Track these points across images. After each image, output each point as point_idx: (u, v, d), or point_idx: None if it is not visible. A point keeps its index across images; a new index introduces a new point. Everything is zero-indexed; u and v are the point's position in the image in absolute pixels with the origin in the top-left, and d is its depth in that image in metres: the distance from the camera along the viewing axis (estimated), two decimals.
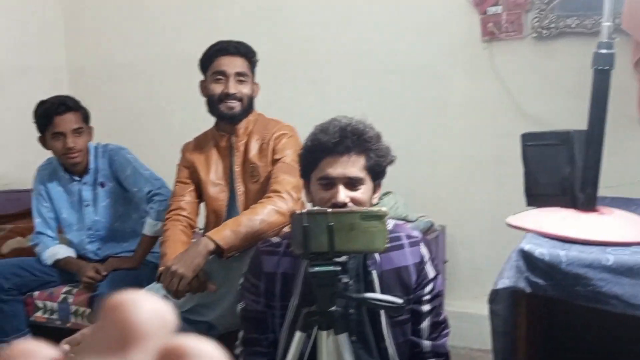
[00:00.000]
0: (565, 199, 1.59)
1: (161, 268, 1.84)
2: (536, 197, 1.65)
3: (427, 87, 2.78)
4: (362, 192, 1.45)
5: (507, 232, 1.88)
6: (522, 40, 2.58)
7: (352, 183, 1.44)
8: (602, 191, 1.95)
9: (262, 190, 2.01)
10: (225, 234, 1.81)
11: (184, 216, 2.07)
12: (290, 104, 2.96)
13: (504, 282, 1.36)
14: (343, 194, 1.42)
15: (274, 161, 2.02)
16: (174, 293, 1.78)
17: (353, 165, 1.44)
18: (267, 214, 1.83)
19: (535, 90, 2.59)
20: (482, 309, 1.96)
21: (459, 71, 2.73)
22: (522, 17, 2.56)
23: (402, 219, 2.35)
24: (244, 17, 3.07)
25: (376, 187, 1.53)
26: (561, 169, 1.59)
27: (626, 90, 2.37)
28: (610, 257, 1.32)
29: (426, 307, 1.48)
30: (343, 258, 1.20)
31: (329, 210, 1.19)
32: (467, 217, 2.79)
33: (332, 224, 1.17)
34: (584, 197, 1.55)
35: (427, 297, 1.48)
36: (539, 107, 2.59)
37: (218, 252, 1.81)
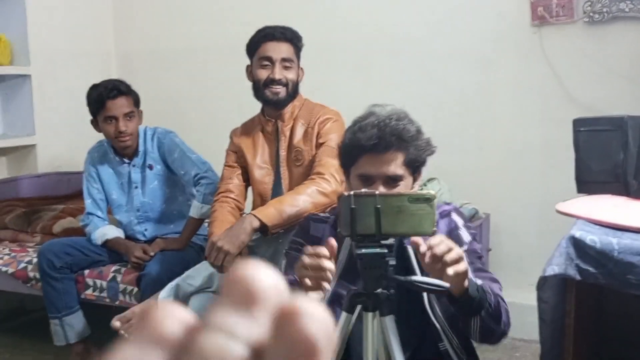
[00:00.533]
0: (618, 186, 1.56)
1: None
2: (587, 183, 1.61)
3: (474, 72, 2.74)
4: (402, 188, 1.45)
5: (552, 221, 1.85)
6: (573, 24, 2.51)
7: (391, 180, 1.43)
8: None
9: (306, 174, 2.02)
10: (269, 211, 1.85)
11: (232, 198, 2.10)
12: (334, 88, 2.95)
13: (553, 269, 1.35)
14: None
15: (319, 145, 2.03)
16: (219, 268, 1.81)
17: (392, 163, 1.43)
18: (310, 194, 1.86)
19: (585, 76, 2.52)
20: (526, 298, 1.95)
21: (507, 56, 2.68)
22: (573, 1, 2.49)
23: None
24: (291, 2, 3.08)
25: (416, 178, 1.51)
26: (614, 156, 1.56)
27: None
28: None
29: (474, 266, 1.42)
30: (390, 240, 1.19)
31: (377, 192, 1.18)
32: (512, 205, 2.75)
33: (379, 206, 1.17)
34: (637, 185, 1.52)
35: (471, 257, 1.43)
36: (590, 93, 2.52)
37: (262, 229, 1.84)
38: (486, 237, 2.72)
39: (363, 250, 1.17)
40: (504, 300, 1.36)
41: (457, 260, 1.17)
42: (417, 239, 1.18)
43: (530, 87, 2.66)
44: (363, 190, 1.22)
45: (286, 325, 0.26)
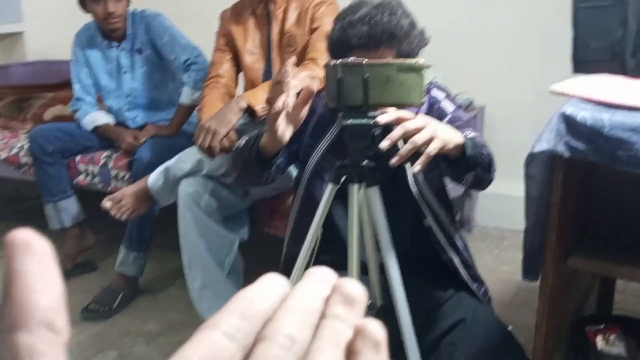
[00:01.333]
0: (615, 65, 1.51)
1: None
2: (584, 63, 1.57)
3: None
4: None
5: (548, 112, 1.82)
6: None
7: None
8: None
9: (298, 60, 1.97)
10: (257, 94, 1.82)
11: (222, 84, 2.06)
12: None
13: (542, 145, 1.33)
14: None
15: (312, 30, 1.97)
16: (207, 150, 1.81)
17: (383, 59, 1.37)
18: (302, 79, 1.81)
19: None
20: (516, 189, 1.95)
21: None
22: None
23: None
24: None
25: None
26: (613, 33, 1.50)
27: None
28: None
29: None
30: (377, 112, 1.17)
31: (365, 61, 1.15)
32: (507, 96, 2.72)
33: (367, 75, 1.14)
34: (634, 63, 1.48)
35: (458, 123, 1.41)
36: None
37: (251, 112, 1.83)
38: (481, 129, 2.70)
39: (350, 121, 1.15)
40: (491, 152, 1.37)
41: (428, 142, 1.11)
42: (381, 118, 1.13)
43: None
44: (350, 59, 1.19)
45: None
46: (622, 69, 1.49)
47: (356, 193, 1.21)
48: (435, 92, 1.51)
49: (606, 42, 1.51)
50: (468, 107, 2.51)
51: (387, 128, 1.14)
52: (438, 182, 1.48)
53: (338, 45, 1.40)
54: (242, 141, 1.45)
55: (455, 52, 2.68)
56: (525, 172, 1.37)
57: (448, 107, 1.48)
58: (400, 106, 1.18)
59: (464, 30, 2.72)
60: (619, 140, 1.27)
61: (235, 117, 1.82)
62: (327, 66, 1.18)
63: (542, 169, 1.37)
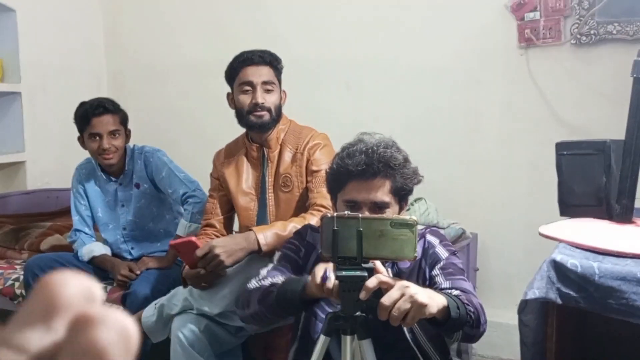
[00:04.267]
0: (600, 210, 1.56)
1: (186, 270, 1.91)
2: (570, 206, 1.62)
3: (463, 93, 2.76)
4: (388, 215, 1.46)
5: (540, 241, 1.85)
6: (560, 46, 2.54)
7: (378, 207, 1.46)
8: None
9: (293, 199, 2.03)
10: (271, 239, 1.86)
11: (214, 233, 2.12)
12: (324, 108, 2.97)
13: (534, 293, 1.35)
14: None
15: (312, 172, 2.03)
16: (185, 283, 1.85)
17: (379, 190, 1.46)
18: (316, 223, 1.85)
19: (573, 98, 2.55)
20: (513, 318, 1.94)
21: (495, 77, 2.70)
22: (560, 23, 2.52)
23: (433, 226, 2.33)
24: (277, 22, 3.10)
25: (402, 206, 1.53)
26: (597, 179, 1.57)
27: None
28: None
29: (444, 282, 1.44)
30: (370, 264, 1.20)
31: (360, 215, 1.19)
32: (500, 225, 2.76)
33: (362, 229, 1.17)
34: (619, 208, 1.53)
35: (441, 272, 1.46)
36: (577, 115, 2.54)
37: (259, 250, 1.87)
38: (474, 256, 2.72)
39: (343, 273, 1.17)
40: (480, 304, 1.37)
41: (409, 309, 1.16)
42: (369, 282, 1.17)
43: (517, 108, 2.67)
44: (346, 212, 1.23)
45: (79, 333, 0.26)
46: (607, 214, 1.54)
47: (349, 344, 1.21)
48: (430, 237, 1.55)
49: (591, 188, 1.57)
50: (460, 237, 2.54)
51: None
52: (433, 328, 1.48)
53: (336, 175, 1.49)
54: (267, 282, 1.48)
55: (447, 183, 2.75)
56: (518, 319, 1.38)
57: (442, 253, 1.52)
58: (393, 260, 1.21)
59: (454, 161, 2.81)
60: (610, 288, 1.29)
61: (243, 257, 1.86)
62: (323, 218, 1.21)
63: (536, 315, 1.38)
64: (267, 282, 1.48)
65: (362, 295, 1.15)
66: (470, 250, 2.67)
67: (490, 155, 2.75)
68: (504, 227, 2.77)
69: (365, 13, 2.92)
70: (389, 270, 1.46)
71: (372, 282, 1.16)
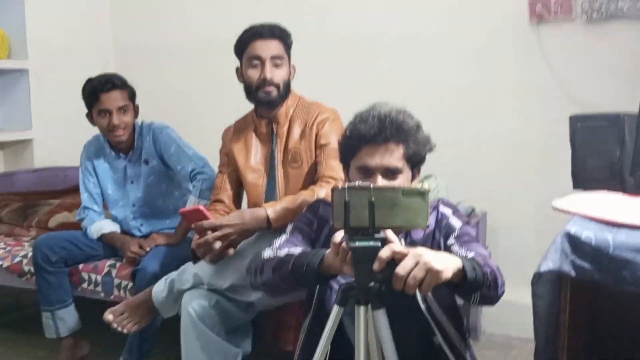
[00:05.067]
0: (614, 183, 1.55)
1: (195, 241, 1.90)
2: (583, 180, 1.61)
3: (473, 70, 2.73)
4: (401, 181, 1.47)
5: (550, 219, 1.84)
6: (571, 22, 2.51)
7: (390, 172, 1.46)
8: None
9: (302, 175, 2.02)
10: (281, 214, 1.86)
11: (223, 209, 2.12)
12: (334, 86, 2.94)
13: (548, 265, 1.34)
14: (380, 183, 1.43)
15: (320, 146, 2.01)
16: (212, 253, 1.85)
17: (391, 155, 1.46)
18: (326, 195, 1.85)
19: (584, 74, 2.52)
20: (523, 297, 1.93)
21: (505, 54, 2.67)
22: None
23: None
24: (289, 1, 3.07)
25: (415, 174, 1.53)
26: (610, 152, 1.55)
27: None
28: None
29: (460, 249, 1.44)
30: (382, 234, 1.19)
31: (371, 185, 1.18)
32: (510, 203, 2.74)
33: (373, 199, 1.16)
34: (633, 181, 1.51)
35: (457, 241, 1.46)
36: (588, 91, 2.51)
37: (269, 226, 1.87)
38: (483, 235, 2.71)
39: (357, 244, 1.16)
40: (497, 267, 1.38)
41: (424, 276, 1.15)
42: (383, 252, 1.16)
43: (528, 85, 2.65)
44: (357, 183, 1.22)
45: None
46: (621, 187, 1.53)
47: (363, 315, 1.20)
48: (443, 209, 1.55)
49: (604, 161, 1.56)
50: (470, 214, 2.53)
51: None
52: (447, 298, 1.48)
53: (349, 140, 1.50)
54: (283, 252, 1.47)
55: (457, 161, 2.73)
56: (532, 291, 1.37)
57: (456, 222, 1.52)
58: (406, 229, 1.20)
59: (465, 139, 2.79)
60: (624, 260, 1.28)
61: (252, 232, 1.87)
62: (334, 189, 1.20)
63: (549, 288, 1.36)
64: (282, 252, 1.47)
65: (376, 265, 1.15)
66: (480, 229, 2.66)
67: (502, 132, 2.73)
68: (514, 206, 2.75)
69: None
70: (402, 240, 1.45)
71: (385, 252, 1.15)
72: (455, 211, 1.56)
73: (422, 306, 1.43)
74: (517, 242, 2.76)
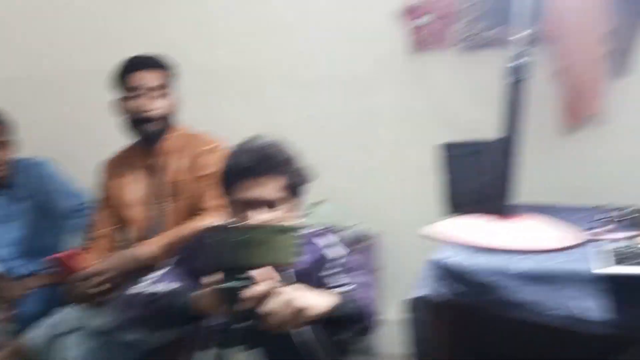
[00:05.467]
0: (485, 207, 1.62)
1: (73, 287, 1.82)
2: (456, 205, 1.68)
3: (359, 97, 2.79)
4: (282, 212, 1.47)
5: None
6: (449, 50, 2.61)
7: (269, 205, 1.45)
8: (528, 198, 2.01)
9: (187, 207, 1.98)
10: (157, 247, 1.80)
11: (103, 247, 2.05)
12: (223, 116, 2.93)
13: (419, 291, 1.38)
14: (260, 216, 1.42)
15: (201, 177, 1.99)
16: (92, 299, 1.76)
17: (269, 188, 1.46)
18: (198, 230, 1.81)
19: (463, 100, 2.62)
20: None
21: (389, 81, 2.74)
22: (449, 27, 2.59)
23: (337, 227, 2.34)
24: (171, 27, 3.02)
25: (297, 203, 1.53)
26: (480, 178, 1.62)
27: (553, 99, 2.44)
28: (522, 264, 1.34)
29: (339, 280, 1.45)
30: (252, 273, 1.18)
31: (239, 224, 1.17)
32: (404, 224, 2.79)
33: (241, 238, 1.15)
34: (501, 205, 1.58)
35: (338, 270, 1.47)
36: (468, 117, 2.62)
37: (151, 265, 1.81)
38: (378, 256, 2.75)
39: (225, 284, 1.15)
40: (373, 298, 1.41)
41: (290, 315, 1.16)
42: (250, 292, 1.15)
43: (412, 111, 2.73)
44: (224, 222, 1.21)
45: None
46: (492, 211, 1.59)
47: (233, 357, 1.18)
48: (329, 237, 1.57)
49: (474, 186, 1.62)
50: (364, 237, 2.57)
51: None
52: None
53: (226, 174, 1.49)
54: (152, 288, 1.42)
55: (350, 185, 2.78)
56: (406, 317, 1.40)
57: (338, 252, 1.53)
58: (275, 266, 1.20)
59: (355, 164, 2.84)
60: (488, 283, 1.34)
61: (136, 270, 1.80)
62: (204, 230, 1.19)
63: (421, 313, 1.40)
64: (154, 288, 1.42)
65: (242, 305, 1.13)
66: (376, 250, 2.71)
67: (390, 157, 2.80)
68: (408, 227, 2.80)
69: (259, 19, 2.91)
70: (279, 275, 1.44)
71: (252, 292, 1.14)
72: (338, 240, 1.58)
73: (299, 340, 1.42)
74: (412, 263, 2.81)
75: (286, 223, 1.19)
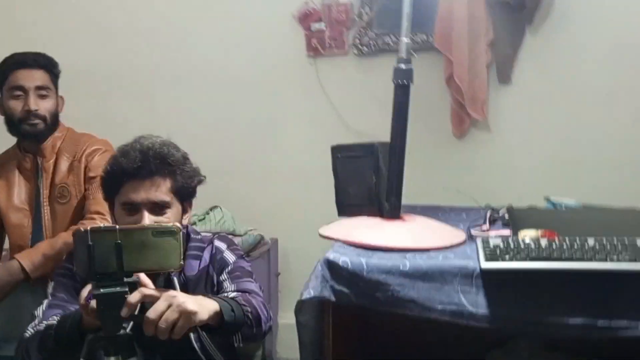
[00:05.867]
0: (373, 209, 1.64)
1: None
2: (346, 207, 1.69)
3: (257, 101, 2.79)
4: (169, 216, 1.43)
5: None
6: (345, 56, 2.66)
7: (157, 207, 1.42)
8: (417, 199, 2.06)
9: (70, 210, 1.89)
10: (35, 260, 1.70)
11: None
12: (118, 117, 2.84)
13: (309, 293, 1.38)
14: (148, 219, 1.37)
15: (88, 179, 1.91)
16: None
17: (157, 190, 1.41)
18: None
19: (358, 105, 2.68)
20: None
21: (287, 86, 2.76)
22: (344, 34, 2.64)
23: (230, 234, 2.32)
24: (65, 28, 2.90)
25: (186, 208, 1.50)
26: (368, 180, 1.65)
27: (444, 105, 2.54)
28: (407, 262, 1.37)
29: (230, 285, 1.45)
30: (134, 278, 1.13)
31: (117, 227, 1.12)
32: (298, 228, 2.81)
33: (120, 241, 1.10)
34: (389, 206, 1.61)
35: (229, 276, 1.47)
36: (363, 121, 2.68)
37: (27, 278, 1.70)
38: (275, 261, 2.75)
39: (102, 291, 1.09)
40: (262, 304, 1.40)
41: (177, 319, 1.12)
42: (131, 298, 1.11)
43: (310, 115, 2.76)
44: (102, 225, 1.16)
45: None
46: (379, 212, 1.62)
47: None
48: (218, 243, 1.55)
49: (363, 188, 1.65)
50: (259, 243, 2.55)
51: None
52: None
53: (111, 176, 1.42)
54: (43, 325, 1.33)
55: (246, 190, 2.77)
56: (296, 320, 1.39)
57: (230, 257, 1.53)
58: (158, 271, 1.16)
59: (254, 169, 2.83)
60: (377, 282, 1.35)
61: (10, 288, 1.69)
62: (75, 234, 1.12)
63: (312, 315, 1.40)
64: (42, 326, 1.34)
65: (124, 312, 1.08)
66: (271, 256, 2.70)
67: (287, 161, 2.81)
68: (303, 231, 2.82)
69: (155, 20, 2.84)
70: (175, 279, 1.41)
71: (134, 297, 1.10)
72: (230, 245, 1.56)
73: (196, 345, 1.39)
74: (308, 267, 2.83)
75: (172, 226, 1.15)
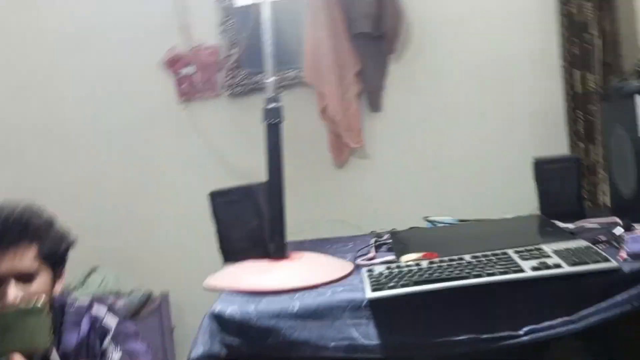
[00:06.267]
0: (258, 251, 1.62)
1: None
2: (231, 253, 1.66)
3: (132, 153, 2.70)
4: (40, 285, 1.33)
5: None
6: (218, 98, 2.64)
7: (25, 277, 1.31)
8: (304, 234, 2.06)
9: None
10: None
11: None
12: None
13: (198, 350, 1.33)
14: (14, 292, 1.27)
15: None
16: None
17: (22, 258, 1.31)
18: None
19: (237, 146, 2.65)
20: None
21: (162, 134, 2.69)
22: (215, 76, 2.62)
23: (114, 295, 2.20)
24: None
25: (58, 274, 1.40)
26: (249, 222, 1.62)
27: (322, 137, 2.57)
28: (297, 303, 1.35)
29: (114, 350, 1.39)
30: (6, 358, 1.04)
31: None
32: (189, 279, 2.70)
33: None
34: (274, 247, 1.59)
35: (112, 341, 1.41)
36: (244, 162, 2.65)
37: None
38: (167, 316, 2.64)
39: None
40: None
41: None
42: None
43: (190, 160, 2.70)
44: None
45: None
46: (265, 254, 1.60)
47: None
48: (97, 309, 1.47)
49: (246, 232, 1.62)
50: (147, 300, 2.44)
51: None
52: None
53: None
54: None
55: (128, 247, 2.65)
56: None
57: (111, 322, 1.45)
58: (26, 352, 1.07)
59: (136, 222, 2.72)
60: (267, 328, 1.32)
61: None
62: None
63: None
64: None
65: None
66: (163, 311, 2.59)
67: (171, 211, 2.72)
68: (194, 281, 2.71)
69: (17, 74, 2.70)
70: (55, 351, 1.31)
71: None
72: (110, 309, 1.48)
73: None
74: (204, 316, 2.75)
75: (36, 303, 1.06)
